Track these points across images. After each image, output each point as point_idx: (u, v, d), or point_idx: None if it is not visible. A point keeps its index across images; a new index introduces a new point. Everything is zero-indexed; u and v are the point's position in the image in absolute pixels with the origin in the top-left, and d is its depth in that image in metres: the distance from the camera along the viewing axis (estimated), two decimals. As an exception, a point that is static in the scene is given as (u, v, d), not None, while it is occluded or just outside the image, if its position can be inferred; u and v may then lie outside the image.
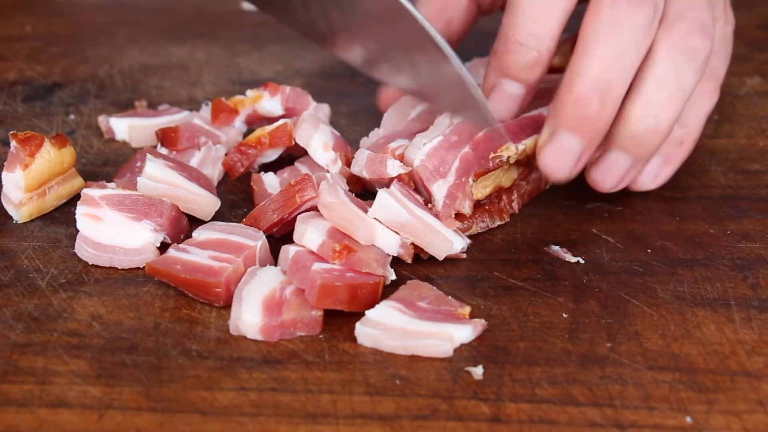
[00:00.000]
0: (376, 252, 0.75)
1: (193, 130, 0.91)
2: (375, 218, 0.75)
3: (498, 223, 0.83)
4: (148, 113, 0.98)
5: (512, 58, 0.80)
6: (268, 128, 0.88)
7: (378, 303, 0.72)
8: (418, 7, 0.82)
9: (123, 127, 0.95)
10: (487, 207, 0.83)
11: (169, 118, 0.95)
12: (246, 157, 0.88)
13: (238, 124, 0.92)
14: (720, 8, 0.89)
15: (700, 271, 0.78)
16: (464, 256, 0.79)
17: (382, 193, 0.76)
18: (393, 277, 0.75)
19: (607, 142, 0.80)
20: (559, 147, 0.78)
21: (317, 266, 0.72)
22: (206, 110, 0.95)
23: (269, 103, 0.91)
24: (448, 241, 0.76)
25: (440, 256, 0.77)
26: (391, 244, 0.75)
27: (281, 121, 0.88)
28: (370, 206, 0.76)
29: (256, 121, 0.92)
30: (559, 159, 0.79)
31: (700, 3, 0.80)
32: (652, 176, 0.85)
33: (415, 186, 0.81)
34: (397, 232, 0.76)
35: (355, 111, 0.90)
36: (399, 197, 0.76)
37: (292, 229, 0.76)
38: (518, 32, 0.79)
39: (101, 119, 0.96)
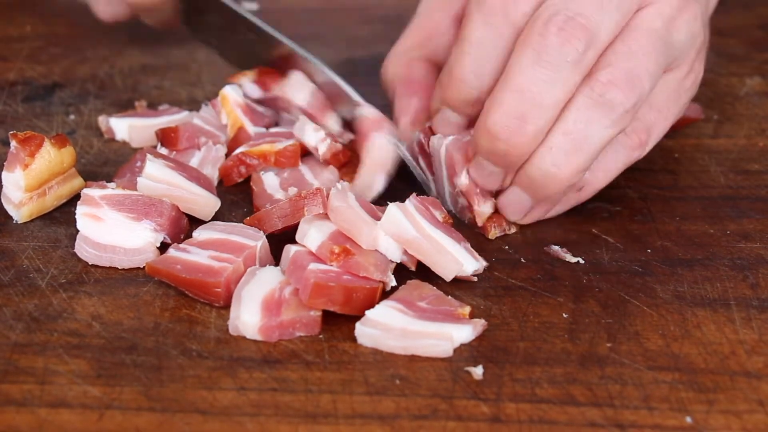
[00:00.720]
0: (377, 257, 0.74)
1: (193, 130, 0.91)
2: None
3: (514, 230, 0.83)
4: (148, 113, 0.98)
5: (454, 92, 0.80)
6: (277, 146, 0.88)
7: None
8: (404, 37, 0.87)
9: (123, 127, 0.95)
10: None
11: (169, 118, 0.95)
12: (245, 167, 0.88)
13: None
14: (687, 58, 0.82)
15: (700, 271, 0.78)
16: (476, 279, 0.77)
17: (392, 207, 0.75)
18: (393, 283, 0.74)
19: (516, 175, 0.79)
20: (482, 171, 0.80)
21: (313, 266, 0.72)
22: (206, 110, 0.95)
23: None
24: (457, 263, 0.75)
25: (447, 278, 0.75)
26: (394, 251, 0.75)
27: (290, 141, 0.88)
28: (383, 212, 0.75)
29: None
30: (485, 182, 0.80)
31: (645, 52, 0.76)
32: (521, 213, 0.82)
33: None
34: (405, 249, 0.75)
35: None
36: (410, 212, 0.75)
37: (293, 228, 0.76)
38: (462, 69, 0.79)
39: (101, 119, 0.96)
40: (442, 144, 0.82)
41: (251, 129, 0.92)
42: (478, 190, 0.81)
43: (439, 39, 0.88)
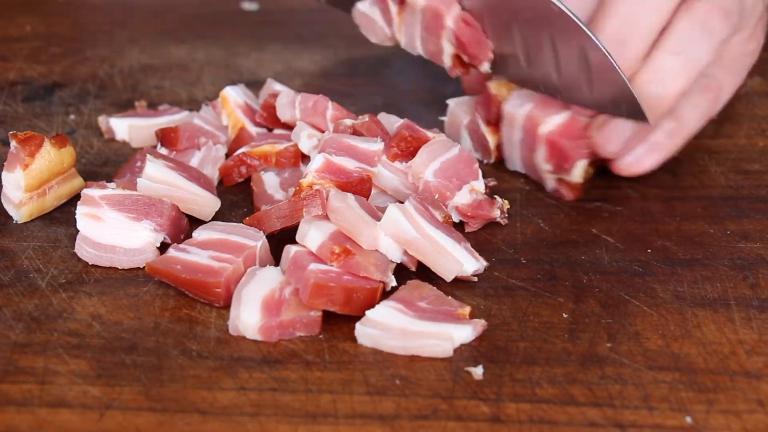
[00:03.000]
0: (377, 257, 0.74)
1: (193, 130, 0.91)
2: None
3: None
4: (148, 113, 0.98)
5: None
6: (278, 147, 0.88)
7: (375, 307, 0.72)
8: None
9: (123, 127, 0.95)
10: None
11: (169, 118, 0.95)
12: (246, 167, 0.88)
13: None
14: (750, 23, 0.87)
15: (700, 271, 0.78)
16: (476, 279, 0.77)
17: (391, 208, 0.75)
18: (393, 283, 0.74)
19: None
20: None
21: (313, 266, 0.72)
22: (206, 110, 0.95)
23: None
24: (457, 263, 0.75)
25: (448, 278, 0.76)
26: (394, 251, 0.75)
27: (291, 142, 0.88)
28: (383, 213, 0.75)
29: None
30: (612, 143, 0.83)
31: None
32: (636, 160, 0.85)
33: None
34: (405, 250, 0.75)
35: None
36: (410, 213, 0.75)
37: (293, 228, 0.76)
38: None
39: (101, 119, 0.96)
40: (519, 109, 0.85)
41: (252, 129, 0.92)
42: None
43: None
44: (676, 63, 0.80)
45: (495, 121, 0.89)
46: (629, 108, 0.80)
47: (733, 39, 0.86)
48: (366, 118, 0.85)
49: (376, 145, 0.83)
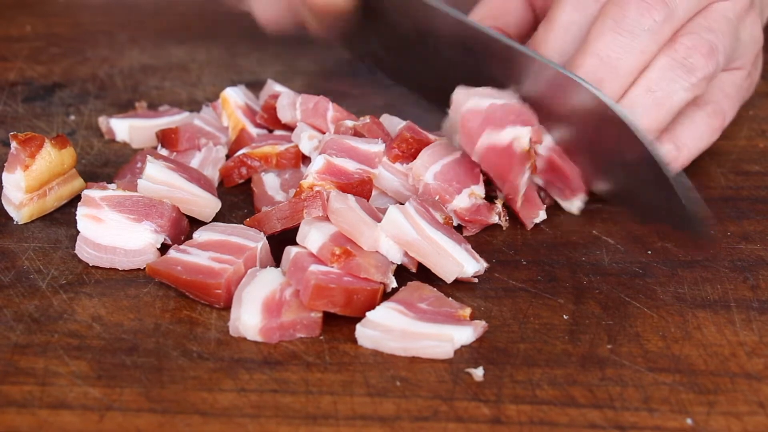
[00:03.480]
0: (377, 259, 0.74)
1: (194, 131, 0.91)
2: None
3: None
4: (148, 114, 0.98)
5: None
6: (279, 148, 0.88)
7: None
8: (475, 11, 0.87)
9: (123, 128, 0.95)
10: None
11: (170, 119, 0.95)
12: (246, 168, 0.88)
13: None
14: (748, 59, 0.88)
15: (701, 272, 0.78)
16: (476, 281, 0.77)
17: (392, 209, 0.75)
18: (394, 284, 0.74)
19: None
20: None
21: (314, 267, 0.72)
22: (207, 111, 0.95)
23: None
24: (457, 265, 0.75)
25: (448, 279, 0.76)
26: (394, 252, 0.75)
27: (292, 143, 0.88)
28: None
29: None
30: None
31: (722, 32, 0.81)
32: None
33: None
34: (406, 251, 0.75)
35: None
36: (410, 214, 0.75)
37: (293, 229, 0.76)
38: (547, 49, 0.82)
39: (101, 120, 0.96)
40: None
41: (253, 130, 0.92)
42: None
43: (509, 17, 0.90)
44: (648, 100, 0.79)
45: None
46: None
47: (735, 74, 0.86)
48: (367, 119, 0.85)
49: (377, 147, 0.83)
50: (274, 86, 0.96)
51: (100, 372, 0.69)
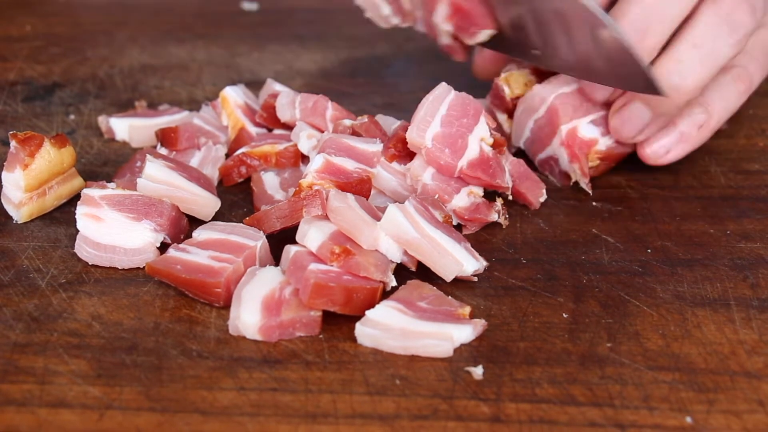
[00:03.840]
0: (377, 257, 0.74)
1: (193, 130, 0.91)
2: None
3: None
4: (148, 113, 0.98)
5: None
6: (278, 147, 0.88)
7: (375, 307, 0.72)
8: None
9: (123, 128, 0.95)
10: None
11: (169, 118, 0.95)
12: (246, 167, 0.88)
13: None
14: None
15: (700, 271, 0.78)
16: (476, 279, 0.77)
17: (391, 208, 0.75)
18: (393, 283, 0.74)
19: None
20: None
21: (314, 266, 0.72)
22: (206, 110, 0.95)
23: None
24: (457, 263, 0.75)
25: (448, 278, 0.76)
26: (394, 251, 0.75)
27: (291, 142, 0.88)
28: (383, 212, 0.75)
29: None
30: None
31: None
32: (664, 149, 0.86)
33: None
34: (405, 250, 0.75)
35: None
36: (410, 213, 0.75)
37: (293, 228, 0.76)
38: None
39: (101, 119, 0.96)
40: (549, 95, 0.86)
41: (252, 129, 0.92)
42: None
43: None
44: (696, 55, 0.80)
45: (510, 113, 0.90)
46: (644, 82, 0.79)
47: (762, 32, 0.86)
48: (365, 118, 0.85)
49: (376, 147, 0.82)
50: (273, 85, 0.96)
51: (99, 371, 0.69)
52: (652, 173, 0.89)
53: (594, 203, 0.86)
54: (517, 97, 0.89)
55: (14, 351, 0.70)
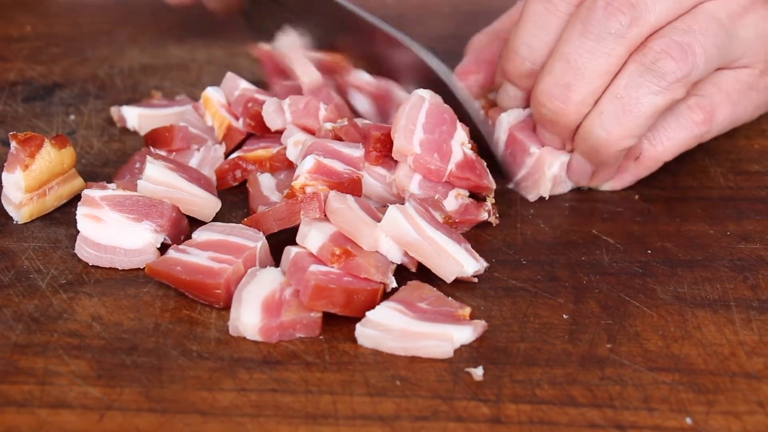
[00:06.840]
0: (377, 259, 0.74)
1: (187, 130, 0.90)
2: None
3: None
4: (161, 104, 0.98)
5: (509, 64, 0.85)
6: (272, 150, 0.87)
7: (376, 308, 0.72)
8: (497, 21, 0.94)
9: (133, 116, 0.96)
10: None
11: (179, 109, 0.95)
12: (241, 171, 0.88)
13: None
14: (759, 57, 0.85)
15: (700, 272, 0.79)
16: (476, 280, 0.77)
17: (392, 209, 0.75)
18: (394, 284, 0.74)
19: (574, 141, 0.84)
20: (543, 138, 0.85)
21: (314, 268, 0.72)
22: (189, 112, 0.94)
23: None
24: (458, 265, 0.75)
25: (448, 279, 0.76)
26: (394, 252, 0.75)
27: (282, 146, 0.87)
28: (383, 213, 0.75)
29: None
30: (549, 145, 0.85)
31: (702, 31, 0.79)
32: (610, 185, 0.88)
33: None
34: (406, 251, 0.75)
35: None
36: (410, 215, 0.75)
37: (293, 228, 0.76)
38: (515, 41, 0.83)
39: (113, 109, 0.97)
40: (503, 121, 0.87)
41: (239, 125, 0.91)
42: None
43: (491, 67, 0.91)
44: (618, 105, 0.79)
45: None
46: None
47: (742, 72, 0.85)
48: (345, 121, 0.84)
49: (359, 152, 0.82)
50: (236, 80, 0.94)
51: (99, 371, 0.69)
52: (652, 174, 0.89)
53: (594, 204, 0.86)
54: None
55: (14, 352, 0.70)
